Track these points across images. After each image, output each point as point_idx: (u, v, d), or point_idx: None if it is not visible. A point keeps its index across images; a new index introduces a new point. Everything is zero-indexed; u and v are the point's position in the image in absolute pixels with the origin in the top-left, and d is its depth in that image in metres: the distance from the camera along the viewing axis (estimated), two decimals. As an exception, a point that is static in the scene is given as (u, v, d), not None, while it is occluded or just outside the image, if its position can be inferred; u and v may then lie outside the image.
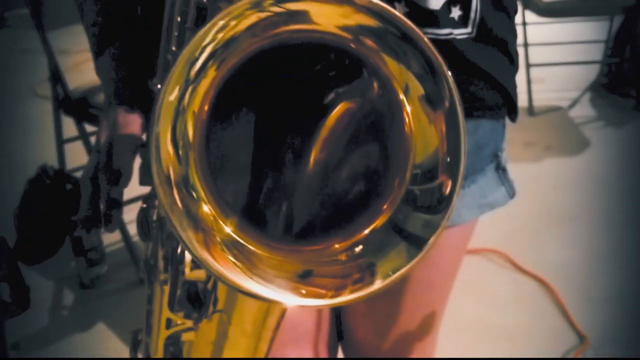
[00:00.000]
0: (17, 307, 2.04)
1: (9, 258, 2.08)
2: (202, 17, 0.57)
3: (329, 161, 0.57)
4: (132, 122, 0.72)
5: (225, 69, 0.48)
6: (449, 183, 0.50)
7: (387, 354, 0.97)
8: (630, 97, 3.37)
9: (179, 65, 0.45)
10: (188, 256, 0.63)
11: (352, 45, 0.48)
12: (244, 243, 0.52)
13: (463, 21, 0.73)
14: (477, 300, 2.04)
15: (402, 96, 0.50)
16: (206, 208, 0.51)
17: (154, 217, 0.68)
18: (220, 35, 0.45)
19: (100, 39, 0.75)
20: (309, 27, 0.47)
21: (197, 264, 0.59)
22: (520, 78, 2.93)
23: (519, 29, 3.25)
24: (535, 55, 3.37)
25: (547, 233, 2.40)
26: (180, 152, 0.48)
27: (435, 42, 0.71)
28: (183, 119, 0.47)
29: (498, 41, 0.78)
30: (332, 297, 0.50)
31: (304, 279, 0.51)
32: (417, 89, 0.50)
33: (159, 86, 0.63)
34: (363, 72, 0.52)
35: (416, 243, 0.50)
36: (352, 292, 0.50)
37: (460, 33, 0.74)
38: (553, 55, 3.55)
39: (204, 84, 0.47)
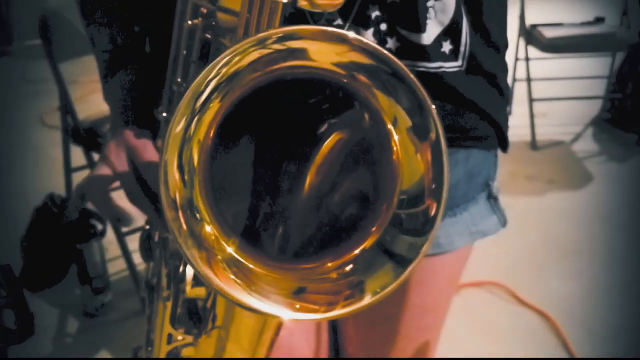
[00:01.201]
0: (21, 334, 2.06)
1: (14, 285, 2.10)
2: (206, 52, 0.60)
3: (322, 186, 0.60)
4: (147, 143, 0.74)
5: (228, 101, 0.51)
6: (434, 208, 0.53)
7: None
8: (632, 132, 3.40)
9: (186, 98, 0.48)
10: (189, 275, 0.66)
11: (346, 80, 0.52)
12: (244, 261, 0.55)
13: (453, 55, 0.76)
14: (480, 333, 2.05)
15: (390, 127, 0.53)
16: (209, 229, 0.54)
17: (156, 238, 0.70)
18: (224, 70, 0.48)
19: (110, 65, 0.78)
20: (307, 64, 0.50)
21: (198, 281, 0.62)
22: (523, 112, 2.98)
23: (522, 65, 3.31)
24: (538, 90, 3.41)
25: (550, 266, 2.40)
26: (186, 177, 0.51)
27: (426, 74, 0.75)
28: (189, 147, 0.50)
29: (488, 74, 0.81)
30: (325, 311, 0.53)
31: (298, 295, 0.54)
32: (405, 121, 0.53)
33: (164, 114, 0.66)
34: (355, 105, 0.55)
35: (402, 263, 0.53)
36: (343, 307, 0.52)
37: (450, 66, 0.76)
38: (556, 90, 3.60)
39: (209, 115, 0.50)
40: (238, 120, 0.55)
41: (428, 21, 0.73)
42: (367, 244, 0.55)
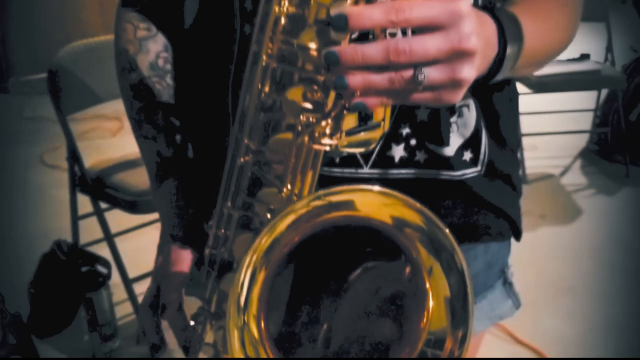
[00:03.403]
0: (31, 382, 2.11)
1: (23, 332, 2.15)
2: (257, 184, 0.67)
3: (357, 323, 0.67)
4: (183, 259, 0.80)
5: (273, 266, 0.58)
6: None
7: None
8: (617, 163, 3.51)
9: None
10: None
11: (392, 230, 0.58)
12: None
13: (473, 162, 0.83)
14: (478, 372, 2.11)
15: (426, 276, 0.60)
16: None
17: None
18: (261, 247, 0.55)
19: (159, 173, 0.85)
20: (351, 214, 0.57)
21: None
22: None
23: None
24: (528, 123, 3.50)
25: (544, 304, 2.48)
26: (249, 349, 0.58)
27: (451, 181, 0.82)
28: (248, 327, 0.57)
29: (503, 175, 0.88)
30: None
31: None
32: (441, 278, 0.59)
33: (217, 231, 0.72)
34: (397, 250, 0.62)
35: None
36: None
37: (471, 172, 0.84)
38: (544, 123, 3.69)
39: (256, 290, 0.57)
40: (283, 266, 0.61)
41: (451, 135, 0.80)
42: None
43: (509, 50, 0.63)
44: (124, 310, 2.34)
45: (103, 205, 2.26)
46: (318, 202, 0.55)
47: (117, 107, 2.23)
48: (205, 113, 0.83)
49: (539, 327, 2.35)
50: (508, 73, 0.67)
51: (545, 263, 2.72)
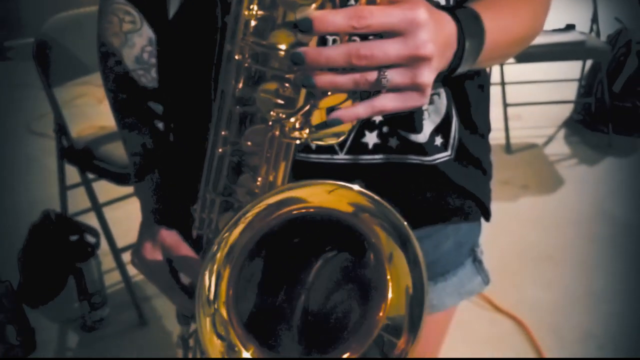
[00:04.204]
0: (24, 349, 2.16)
1: (15, 301, 2.19)
2: (237, 170, 0.71)
3: (322, 305, 0.71)
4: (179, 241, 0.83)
5: (238, 261, 0.62)
6: (407, 345, 0.64)
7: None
8: (600, 132, 3.56)
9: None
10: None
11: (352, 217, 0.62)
12: None
13: (444, 146, 0.87)
14: (456, 339, 2.17)
15: (386, 262, 0.64)
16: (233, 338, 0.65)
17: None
18: (219, 255, 0.59)
19: (141, 168, 0.88)
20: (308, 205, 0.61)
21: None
22: (498, 115, 3.10)
23: (496, 69, 3.43)
24: (512, 93, 3.54)
25: (524, 273, 2.55)
26: (223, 333, 0.63)
27: (423, 165, 0.86)
28: (219, 312, 0.62)
29: (473, 159, 0.92)
30: None
31: None
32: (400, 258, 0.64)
33: (202, 214, 0.76)
34: (358, 238, 0.65)
35: None
36: None
37: (442, 157, 0.87)
38: (529, 93, 3.73)
39: (223, 284, 0.61)
40: (254, 252, 0.65)
41: (424, 122, 0.84)
42: (352, 356, 0.67)
43: (468, 47, 0.67)
44: (112, 279, 2.39)
45: (91, 175, 2.29)
46: (264, 203, 0.59)
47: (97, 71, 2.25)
48: (188, 101, 0.86)
49: (518, 296, 2.42)
50: (471, 66, 0.71)
51: (526, 233, 2.79)
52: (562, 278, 2.52)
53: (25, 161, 3.40)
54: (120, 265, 2.28)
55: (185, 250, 0.79)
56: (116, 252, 2.26)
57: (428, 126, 0.84)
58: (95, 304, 2.21)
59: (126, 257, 2.30)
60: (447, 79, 0.78)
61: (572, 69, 3.78)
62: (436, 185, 0.89)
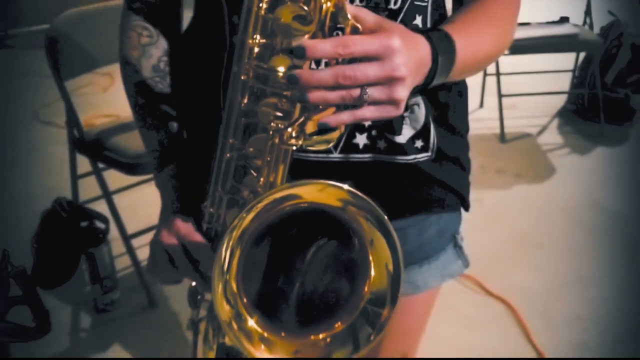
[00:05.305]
0: (39, 330, 2.28)
1: (29, 284, 2.31)
2: (241, 173, 0.82)
3: (316, 284, 0.83)
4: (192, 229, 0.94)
5: (247, 244, 0.73)
6: (386, 315, 0.76)
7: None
8: (592, 122, 3.67)
9: (215, 271, 0.70)
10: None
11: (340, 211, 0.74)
12: (260, 330, 0.78)
13: (424, 149, 0.98)
14: (449, 321, 2.30)
15: (368, 246, 0.76)
16: (240, 309, 0.77)
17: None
18: (234, 234, 0.70)
19: (159, 162, 0.98)
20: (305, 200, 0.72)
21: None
22: (492, 106, 3.21)
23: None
24: (507, 83, 3.65)
25: (514, 259, 2.67)
26: (232, 301, 0.74)
27: (405, 164, 0.97)
28: (229, 284, 0.73)
29: (452, 158, 1.03)
30: None
31: (296, 355, 0.78)
32: (381, 242, 0.75)
33: (211, 210, 0.87)
34: (345, 227, 0.77)
35: (356, 347, 0.76)
36: None
37: (422, 157, 0.99)
38: (524, 83, 3.83)
39: (235, 261, 0.73)
40: (257, 240, 0.77)
41: (404, 126, 0.95)
42: (343, 325, 0.78)
43: (440, 63, 0.78)
44: (123, 264, 2.50)
45: (101, 165, 2.40)
46: (272, 197, 0.70)
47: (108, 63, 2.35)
48: (199, 108, 0.97)
49: (508, 280, 2.53)
50: (445, 79, 0.82)
51: (517, 220, 2.90)
52: (551, 264, 2.64)
53: (34, 150, 3.49)
54: (130, 250, 2.40)
55: (198, 237, 0.91)
56: (126, 237, 2.38)
57: (407, 131, 0.96)
58: (107, 287, 2.33)
59: (135, 242, 2.43)
60: (425, 90, 0.89)
61: (566, 60, 3.88)
62: (419, 180, 1.00)
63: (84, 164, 2.51)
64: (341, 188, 0.71)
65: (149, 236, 2.46)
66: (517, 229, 2.84)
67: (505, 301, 2.42)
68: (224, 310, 0.73)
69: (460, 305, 2.41)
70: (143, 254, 2.49)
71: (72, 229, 2.37)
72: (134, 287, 2.43)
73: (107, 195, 2.39)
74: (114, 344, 2.21)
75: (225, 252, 0.70)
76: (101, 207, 2.44)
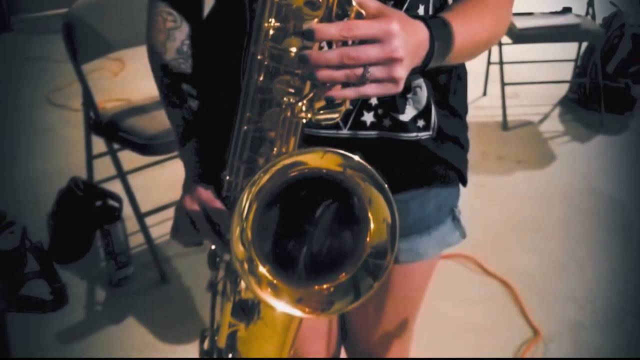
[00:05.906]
0: (56, 303, 2.38)
1: (46, 259, 2.41)
2: (257, 144, 0.91)
3: (322, 239, 0.92)
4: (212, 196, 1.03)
5: (261, 203, 0.82)
6: (389, 261, 0.85)
7: (375, 345, 1.36)
8: (593, 111, 3.75)
9: (235, 215, 0.79)
10: (243, 284, 0.98)
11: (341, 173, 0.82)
12: (271, 279, 0.86)
13: (426, 128, 1.07)
14: (449, 299, 2.39)
15: (367, 204, 0.84)
16: (255, 260, 0.86)
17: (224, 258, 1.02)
18: (253, 189, 0.79)
19: (182, 136, 1.07)
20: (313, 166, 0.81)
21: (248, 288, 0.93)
22: (495, 94, 3.30)
23: (495, 49, 3.61)
24: (510, 72, 3.73)
25: (513, 241, 2.75)
26: (246, 246, 0.83)
27: (408, 141, 1.06)
28: (245, 232, 0.82)
29: (452, 137, 1.12)
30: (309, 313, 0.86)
31: (299, 302, 0.86)
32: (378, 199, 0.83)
33: (227, 177, 0.96)
34: (346, 189, 0.86)
35: (357, 296, 0.85)
36: (322, 312, 0.86)
37: (424, 135, 1.07)
38: (527, 72, 3.91)
39: (251, 215, 0.81)
40: (271, 200, 0.85)
41: (407, 106, 1.04)
42: (345, 277, 0.87)
43: (437, 47, 0.86)
44: (136, 241, 2.60)
45: (115, 145, 2.49)
46: (286, 162, 0.79)
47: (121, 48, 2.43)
48: (219, 85, 1.06)
49: (507, 261, 2.62)
50: (442, 62, 0.91)
51: (518, 205, 2.98)
52: (549, 246, 2.73)
53: (48, 132, 3.56)
54: (144, 228, 2.49)
55: (217, 204, 1.00)
56: (140, 216, 2.48)
57: (410, 110, 1.05)
58: (121, 263, 2.43)
59: (149, 221, 2.52)
60: (428, 72, 0.98)
61: (568, 50, 3.95)
62: (421, 157, 1.09)
63: (98, 146, 2.61)
64: (338, 153, 0.79)
65: (161, 215, 2.57)
66: (517, 213, 2.93)
67: (504, 281, 2.51)
68: (239, 251, 0.81)
69: (459, 283, 2.50)
70: (156, 232, 2.58)
71: (87, 207, 2.46)
72: (147, 263, 2.53)
73: (121, 175, 2.48)
74: (127, 318, 2.31)
75: (245, 202, 0.79)
76: (115, 186, 2.53)
